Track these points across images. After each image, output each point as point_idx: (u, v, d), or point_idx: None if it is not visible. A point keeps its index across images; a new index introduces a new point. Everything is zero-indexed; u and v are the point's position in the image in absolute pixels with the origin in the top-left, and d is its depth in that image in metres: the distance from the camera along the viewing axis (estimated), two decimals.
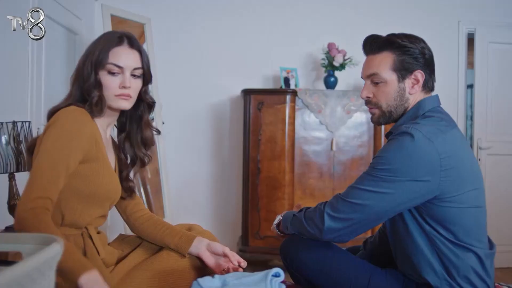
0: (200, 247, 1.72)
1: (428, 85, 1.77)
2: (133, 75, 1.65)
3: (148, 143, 1.80)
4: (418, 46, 1.73)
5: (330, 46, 3.99)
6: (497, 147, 4.25)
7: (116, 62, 1.61)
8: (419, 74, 1.73)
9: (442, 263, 1.63)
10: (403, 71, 1.73)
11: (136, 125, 1.78)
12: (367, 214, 1.63)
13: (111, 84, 1.61)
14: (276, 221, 1.98)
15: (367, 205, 1.62)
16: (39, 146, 1.49)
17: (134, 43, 1.66)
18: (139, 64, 1.66)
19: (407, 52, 1.72)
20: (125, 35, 1.66)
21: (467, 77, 4.40)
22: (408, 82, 1.74)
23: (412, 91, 1.75)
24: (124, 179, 1.78)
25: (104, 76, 1.61)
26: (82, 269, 1.30)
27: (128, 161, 1.81)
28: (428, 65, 1.75)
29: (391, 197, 1.60)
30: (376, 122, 1.83)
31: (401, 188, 1.59)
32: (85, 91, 1.60)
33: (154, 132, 1.82)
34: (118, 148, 1.80)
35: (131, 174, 1.83)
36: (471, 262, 1.63)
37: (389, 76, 1.74)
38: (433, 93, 1.81)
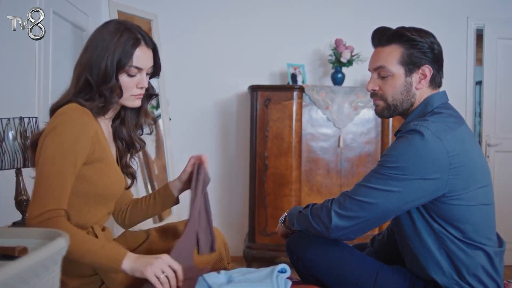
0: (177, 184, 1.84)
1: (436, 81, 1.75)
2: (147, 73, 1.65)
3: (141, 128, 1.82)
4: (427, 41, 1.71)
5: (338, 42, 3.97)
6: (506, 144, 4.22)
7: (138, 64, 1.59)
8: (427, 69, 1.71)
9: (451, 262, 1.62)
10: (410, 65, 1.71)
11: (134, 113, 1.76)
12: (375, 212, 1.62)
13: (129, 85, 1.60)
14: (282, 218, 1.98)
15: (375, 203, 1.61)
16: (42, 152, 1.48)
17: (149, 42, 1.64)
18: (152, 62, 1.66)
19: (416, 46, 1.70)
20: (141, 34, 1.62)
21: (475, 74, 4.37)
22: (415, 76, 1.72)
23: (419, 86, 1.73)
24: (124, 166, 1.79)
25: (123, 78, 1.59)
26: (119, 258, 1.42)
27: (124, 146, 1.80)
28: (437, 61, 1.73)
29: (400, 195, 1.59)
30: (380, 114, 1.81)
31: (410, 186, 1.57)
32: (101, 90, 1.57)
33: (151, 122, 1.83)
34: (115, 136, 1.78)
35: (130, 159, 1.84)
36: (481, 260, 1.62)
37: (397, 69, 1.72)
38: (441, 89, 1.79)
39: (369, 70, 1.81)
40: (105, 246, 1.44)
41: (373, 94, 1.80)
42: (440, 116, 1.65)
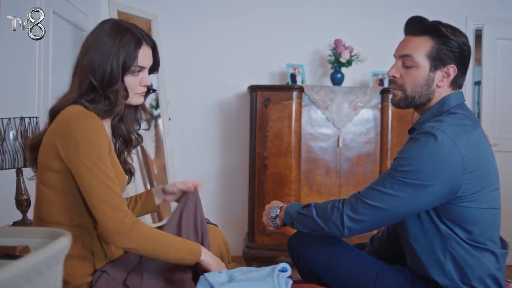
0: (160, 195, 1.94)
1: (457, 82, 1.73)
2: None
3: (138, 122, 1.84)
4: (459, 40, 1.69)
5: (337, 42, 3.98)
6: (505, 144, 4.23)
7: (141, 64, 1.61)
8: (452, 69, 1.69)
9: (455, 264, 1.61)
10: (437, 61, 1.69)
11: (133, 109, 1.77)
12: (388, 216, 1.62)
13: (134, 83, 1.62)
14: (273, 214, 1.92)
15: (388, 209, 1.60)
16: (75, 168, 1.48)
17: (149, 40, 1.65)
18: (152, 60, 1.69)
19: (447, 44, 1.68)
20: (141, 34, 1.63)
21: (474, 74, 4.38)
22: (439, 73, 1.70)
23: (440, 84, 1.71)
24: (122, 163, 1.78)
25: (128, 78, 1.60)
26: (197, 250, 1.60)
27: (122, 142, 1.80)
28: (463, 63, 1.71)
29: (413, 200, 1.58)
30: (396, 104, 1.79)
31: (423, 191, 1.56)
32: (106, 94, 1.57)
33: (149, 117, 1.84)
34: (113, 134, 1.78)
35: (128, 156, 1.85)
36: (487, 261, 1.61)
37: (422, 62, 1.70)
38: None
39: (394, 55, 1.79)
40: (182, 241, 1.60)
41: (392, 82, 1.78)
42: (455, 117, 1.64)
